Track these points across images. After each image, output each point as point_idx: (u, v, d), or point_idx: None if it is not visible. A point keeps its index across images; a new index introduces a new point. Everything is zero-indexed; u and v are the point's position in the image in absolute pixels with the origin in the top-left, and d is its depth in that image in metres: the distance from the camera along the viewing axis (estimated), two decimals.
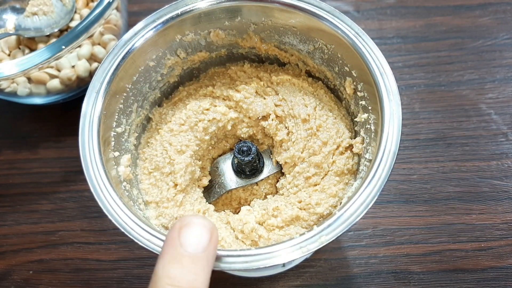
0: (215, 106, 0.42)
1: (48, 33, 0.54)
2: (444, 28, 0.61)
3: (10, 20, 0.59)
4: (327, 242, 0.29)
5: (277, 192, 0.43)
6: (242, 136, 0.44)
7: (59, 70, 0.54)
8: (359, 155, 0.39)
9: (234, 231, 0.38)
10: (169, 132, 0.41)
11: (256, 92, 0.43)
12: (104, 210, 0.32)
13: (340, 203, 0.38)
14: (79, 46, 0.52)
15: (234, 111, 0.43)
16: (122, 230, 0.31)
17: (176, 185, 0.39)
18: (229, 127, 0.42)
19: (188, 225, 0.27)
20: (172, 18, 0.39)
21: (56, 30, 0.54)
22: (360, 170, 0.38)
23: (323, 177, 0.39)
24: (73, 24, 0.55)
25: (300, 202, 0.39)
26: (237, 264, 0.29)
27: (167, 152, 0.40)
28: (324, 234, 0.30)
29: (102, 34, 0.55)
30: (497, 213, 0.50)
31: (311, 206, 0.38)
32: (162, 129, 0.42)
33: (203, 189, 0.43)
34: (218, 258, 0.29)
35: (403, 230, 0.49)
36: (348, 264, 0.48)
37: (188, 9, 0.39)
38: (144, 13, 0.63)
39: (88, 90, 0.36)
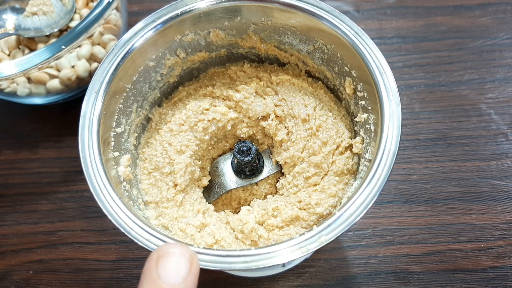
0: (215, 106, 0.42)
1: (48, 33, 0.54)
2: (444, 28, 0.61)
3: (10, 20, 0.59)
4: (327, 242, 0.29)
5: (277, 192, 0.43)
6: (242, 136, 0.44)
7: (59, 70, 0.54)
8: (359, 155, 0.39)
9: (234, 231, 0.38)
10: (168, 132, 0.41)
11: (256, 92, 0.43)
12: (104, 210, 0.32)
13: (340, 203, 0.38)
14: (79, 46, 0.52)
15: (234, 111, 0.43)
16: (122, 230, 0.31)
17: (175, 185, 0.39)
18: (228, 127, 0.42)
19: (165, 255, 0.26)
20: (171, 18, 0.39)
21: (56, 30, 0.54)
22: (360, 170, 0.38)
23: (323, 177, 0.39)
24: (73, 24, 0.55)
25: (300, 202, 0.39)
26: (237, 264, 0.29)
27: (167, 152, 0.40)
28: (324, 234, 0.30)
29: (102, 34, 0.55)
30: (497, 213, 0.50)
31: (311, 206, 0.38)
32: (162, 129, 0.42)
33: (202, 189, 0.43)
34: (218, 258, 0.29)
35: (403, 230, 0.49)
36: (348, 264, 0.48)
37: (188, 9, 0.39)
38: (144, 13, 0.63)
39: (87, 90, 0.36)
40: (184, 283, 0.25)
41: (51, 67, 0.53)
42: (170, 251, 0.26)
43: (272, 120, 0.42)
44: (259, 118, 0.42)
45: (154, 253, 0.26)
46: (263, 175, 0.43)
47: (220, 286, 0.48)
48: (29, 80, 0.53)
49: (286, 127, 0.42)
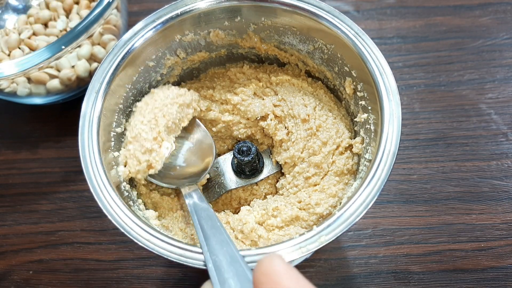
0: (210, 110, 0.43)
1: None
2: (444, 28, 0.61)
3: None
4: (327, 242, 0.29)
5: (277, 192, 0.43)
6: (239, 136, 0.44)
7: (59, 70, 0.54)
8: (358, 155, 0.39)
9: (233, 231, 0.38)
10: (145, 105, 0.39)
11: (255, 93, 0.43)
12: (104, 210, 0.32)
13: (340, 203, 0.38)
14: (79, 46, 0.52)
15: (229, 114, 0.43)
16: (122, 230, 0.31)
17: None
18: (222, 130, 0.43)
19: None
20: (171, 18, 0.39)
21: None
22: (360, 170, 0.38)
23: (322, 177, 0.39)
24: (73, 24, 0.55)
25: (300, 202, 0.39)
26: None
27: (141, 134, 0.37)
28: (324, 234, 0.30)
29: (102, 34, 0.55)
30: (497, 213, 0.49)
31: (310, 206, 0.38)
32: (136, 106, 0.40)
33: (201, 187, 0.43)
34: None
35: (403, 230, 0.49)
36: (348, 264, 0.48)
37: (188, 9, 0.39)
38: (144, 13, 0.63)
39: (87, 90, 0.36)
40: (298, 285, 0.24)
41: (51, 67, 0.53)
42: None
43: (271, 120, 0.42)
44: (258, 118, 0.42)
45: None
46: (263, 175, 0.43)
47: None
48: (29, 80, 0.53)
49: (286, 127, 0.42)
